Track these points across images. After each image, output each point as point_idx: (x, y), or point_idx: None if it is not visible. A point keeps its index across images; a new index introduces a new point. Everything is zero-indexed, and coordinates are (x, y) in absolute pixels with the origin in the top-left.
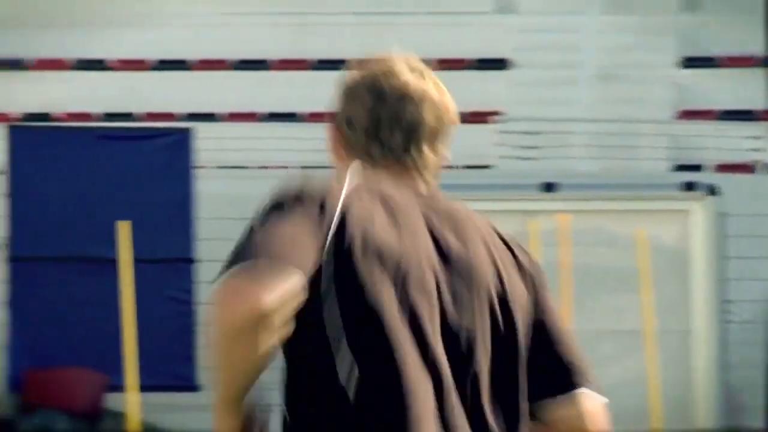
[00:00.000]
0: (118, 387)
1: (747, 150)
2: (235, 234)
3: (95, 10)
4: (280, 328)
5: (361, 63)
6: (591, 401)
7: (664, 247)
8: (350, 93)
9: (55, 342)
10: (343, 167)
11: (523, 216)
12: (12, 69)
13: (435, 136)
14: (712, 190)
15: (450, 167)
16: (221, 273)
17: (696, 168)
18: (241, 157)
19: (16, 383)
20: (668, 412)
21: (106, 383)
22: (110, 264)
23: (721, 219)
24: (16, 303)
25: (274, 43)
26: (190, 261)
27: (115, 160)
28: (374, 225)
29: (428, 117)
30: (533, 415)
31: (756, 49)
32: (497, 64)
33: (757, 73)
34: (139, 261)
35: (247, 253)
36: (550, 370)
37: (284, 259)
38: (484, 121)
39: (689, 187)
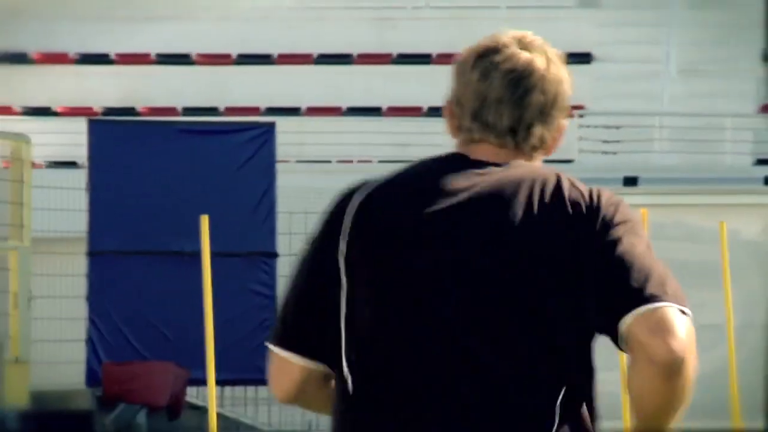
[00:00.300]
0: (198, 381)
1: None
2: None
3: (177, 3)
4: (318, 387)
5: (476, 43)
6: (661, 314)
7: (745, 241)
8: (459, 71)
9: (135, 336)
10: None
11: None
12: (95, 63)
13: (545, 110)
14: None
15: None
16: (270, 334)
17: None
18: (322, 151)
19: (95, 377)
20: (747, 407)
21: (186, 377)
22: (191, 258)
23: None
24: (96, 297)
25: (356, 38)
26: (271, 255)
27: (197, 154)
28: (382, 225)
29: (537, 95)
30: (619, 343)
31: None
32: (580, 58)
33: None
34: (220, 255)
35: (274, 330)
36: (620, 294)
37: (295, 341)
38: (567, 115)
39: None
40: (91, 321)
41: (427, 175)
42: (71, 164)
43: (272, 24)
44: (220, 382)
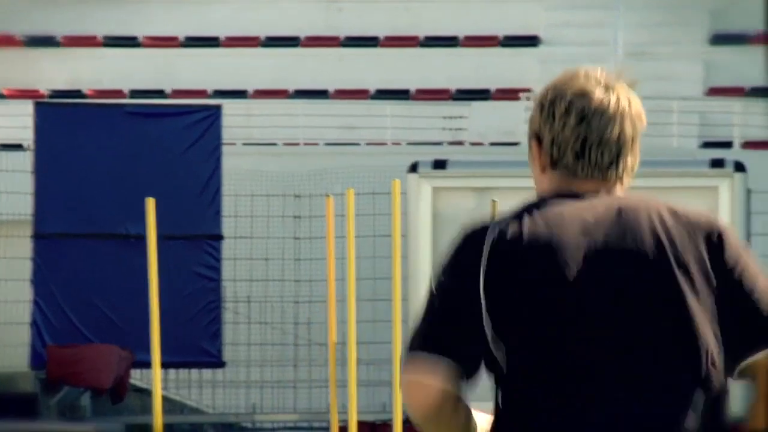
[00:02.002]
0: (143, 363)
1: None
2: (261, 211)
3: None
4: (459, 404)
5: (553, 81)
6: None
7: None
8: (550, 112)
9: (80, 319)
10: (543, 179)
11: None
12: (41, 46)
13: (633, 143)
14: (739, 167)
15: (480, 144)
16: (406, 349)
17: (724, 145)
18: (268, 134)
19: (40, 360)
20: None
21: (131, 360)
22: (137, 240)
23: (747, 196)
24: (41, 280)
25: (304, 21)
26: (217, 237)
27: (144, 136)
28: (522, 250)
29: (627, 130)
30: (741, 373)
31: None
32: (527, 41)
33: None
34: (166, 237)
35: (415, 340)
36: (752, 321)
37: (438, 348)
38: (515, 98)
39: (717, 164)
40: (36, 304)
41: (549, 212)
42: (17, 147)
43: (219, 7)
44: (164, 365)
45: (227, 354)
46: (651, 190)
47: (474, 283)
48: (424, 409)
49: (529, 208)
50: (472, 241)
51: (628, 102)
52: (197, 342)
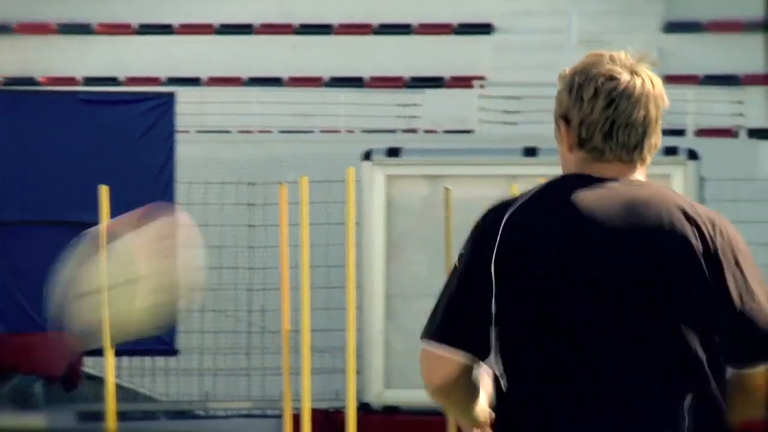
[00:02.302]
0: (95, 351)
1: (728, 115)
2: (214, 198)
3: None
4: (467, 387)
5: (580, 64)
6: None
7: None
8: (578, 95)
9: (32, 306)
10: (569, 158)
11: (506, 180)
12: None
13: (656, 123)
14: (692, 155)
15: (433, 132)
16: (424, 330)
17: (678, 132)
18: (222, 122)
19: None
20: None
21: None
22: (90, 228)
23: (700, 183)
24: None
25: (258, 8)
26: None
27: (97, 124)
28: (533, 234)
29: (652, 112)
30: (734, 382)
31: (740, 13)
32: (481, 28)
33: (741, 38)
34: None
35: (430, 326)
36: (748, 343)
37: (454, 335)
38: (468, 86)
39: (671, 151)
40: None
41: (564, 195)
42: None
43: None
44: (117, 353)
45: (180, 342)
46: None
47: (487, 268)
48: (438, 388)
49: (547, 191)
50: (486, 223)
51: (651, 84)
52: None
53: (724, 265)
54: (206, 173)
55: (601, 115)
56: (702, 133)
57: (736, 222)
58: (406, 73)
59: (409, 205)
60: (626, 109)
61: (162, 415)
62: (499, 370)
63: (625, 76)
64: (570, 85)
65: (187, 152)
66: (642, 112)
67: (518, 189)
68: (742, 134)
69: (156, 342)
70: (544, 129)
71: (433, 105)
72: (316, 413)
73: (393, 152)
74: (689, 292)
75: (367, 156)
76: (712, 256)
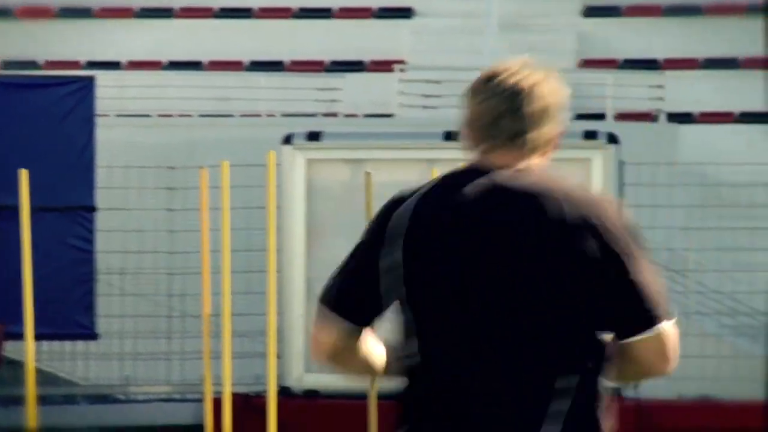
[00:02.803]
0: (16, 335)
1: (648, 99)
2: (134, 182)
3: None
4: (354, 354)
5: (483, 73)
6: (661, 336)
7: None
8: (469, 97)
9: None
10: (471, 153)
11: (426, 164)
12: None
13: (538, 118)
14: (612, 139)
15: (354, 116)
16: (319, 297)
17: (597, 117)
18: (142, 106)
19: None
20: None
21: (3, 331)
22: (9, 211)
23: (620, 167)
24: None
25: None
26: (90, 209)
27: (16, 107)
28: (420, 224)
29: (536, 105)
30: (622, 353)
31: None
32: (400, 12)
33: (660, 22)
34: (39, 209)
35: (325, 294)
36: (626, 312)
37: (341, 307)
38: (389, 70)
39: (590, 135)
40: None
41: (452, 187)
42: None
43: None
44: (37, 337)
45: (100, 326)
46: None
47: (376, 250)
48: (322, 355)
49: (439, 182)
50: (383, 210)
51: (537, 80)
52: (70, 314)
53: (606, 245)
54: (126, 157)
55: (485, 109)
56: (621, 117)
57: (654, 206)
58: (327, 57)
59: (330, 189)
60: (508, 101)
61: (82, 400)
62: (393, 343)
63: (507, 73)
64: (466, 92)
65: (107, 136)
66: (524, 105)
67: (438, 172)
68: (662, 118)
69: (76, 326)
70: None
71: (354, 89)
72: (236, 397)
73: (313, 136)
74: (563, 273)
75: (288, 140)
76: (591, 237)
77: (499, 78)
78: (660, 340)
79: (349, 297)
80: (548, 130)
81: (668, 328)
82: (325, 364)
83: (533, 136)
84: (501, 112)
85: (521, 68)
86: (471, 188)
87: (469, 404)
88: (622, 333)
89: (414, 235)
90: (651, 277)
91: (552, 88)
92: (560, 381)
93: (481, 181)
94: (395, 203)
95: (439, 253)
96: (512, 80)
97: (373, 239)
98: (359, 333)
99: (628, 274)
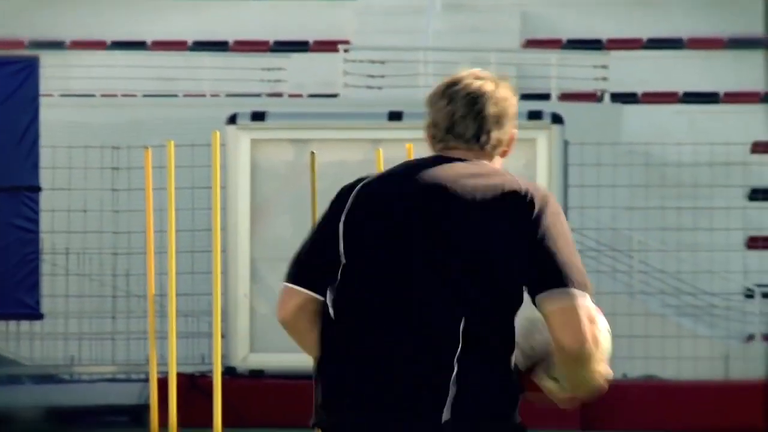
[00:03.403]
0: None
1: (592, 79)
2: (79, 162)
3: None
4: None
5: (443, 81)
6: (565, 300)
7: None
8: (431, 101)
9: None
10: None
11: (371, 144)
12: None
13: (497, 119)
14: (556, 119)
15: (298, 96)
16: (285, 273)
17: (542, 97)
18: (86, 86)
19: None
20: None
21: None
22: None
23: (564, 147)
24: None
25: None
26: (35, 189)
27: None
28: (366, 205)
29: (490, 109)
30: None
31: None
32: None
33: (604, 2)
34: None
35: (289, 268)
36: (541, 275)
37: (300, 277)
38: (333, 50)
39: (535, 115)
40: None
41: (406, 170)
42: None
43: None
44: None
45: (45, 306)
46: None
47: (335, 228)
48: (283, 319)
49: (396, 167)
50: (341, 193)
51: (493, 87)
52: (15, 294)
53: (534, 221)
54: (70, 137)
55: (443, 111)
56: (566, 97)
57: (598, 186)
58: (271, 37)
59: (275, 168)
60: (463, 104)
61: (27, 380)
62: (329, 300)
63: (466, 80)
64: (428, 98)
65: (52, 116)
66: (479, 108)
67: (383, 153)
68: (606, 98)
69: (21, 306)
70: (409, 93)
71: (298, 69)
72: (182, 377)
73: (258, 116)
74: (487, 245)
75: (232, 120)
76: (521, 211)
77: (459, 85)
78: (572, 306)
79: (308, 265)
80: (503, 132)
81: (580, 297)
82: (286, 329)
83: (490, 137)
84: (461, 114)
85: (478, 77)
86: (415, 170)
87: (376, 352)
88: (536, 287)
89: (353, 212)
90: (571, 254)
91: (506, 95)
92: (464, 351)
93: (429, 164)
94: (351, 186)
95: (370, 227)
96: (471, 87)
97: (329, 214)
98: (317, 303)
99: (548, 244)
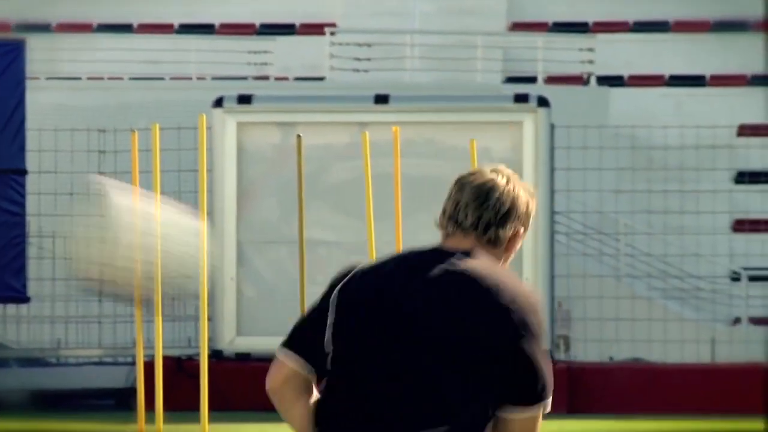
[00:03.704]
0: None
1: (578, 62)
2: (65, 145)
3: None
4: (298, 393)
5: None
6: (534, 410)
7: (496, 158)
8: (451, 191)
9: None
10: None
11: (357, 127)
12: None
13: (501, 215)
14: (543, 102)
15: (285, 79)
16: (282, 341)
17: (528, 80)
18: (72, 69)
19: None
20: None
21: None
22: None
23: (551, 131)
24: None
25: None
26: (21, 172)
27: None
28: (357, 291)
29: (493, 201)
30: (503, 419)
31: None
32: None
33: None
34: None
35: (288, 336)
36: (514, 388)
37: (294, 346)
38: (320, 33)
39: (521, 99)
40: None
41: (396, 265)
42: None
43: None
44: None
45: (32, 289)
46: (456, 125)
47: (327, 307)
48: (270, 389)
49: (390, 257)
50: (338, 275)
51: (506, 183)
52: (1, 277)
53: (517, 330)
54: (57, 120)
55: (452, 198)
56: (552, 80)
57: (585, 169)
58: (257, 20)
59: (261, 152)
60: (470, 192)
61: (14, 363)
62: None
63: (481, 172)
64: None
65: (38, 99)
66: (484, 198)
67: (369, 135)
68: (592, 81)
69: (7, 289)
70: (395, 76)
71: (285, 52)
72: (168, 360)
73: (244, 99)
74: (469, 348)
75: (219, 103)
76: (506, 320)
77: (473, 176)
78: (536, 416)
79: (302, 340)
80: (505, 229)
81: (546, 405)
82: (272, 398)
83: (489, 228)
84: (465, 202)
85: (495, 170)
86: (403, 264)
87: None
88: (513, 401)
89: (343, 303)
90: (545, 362)
91: (519, 194)
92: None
93: (419, 257)
94: (345, 271)
95: (361, 320)
96: (483, 178)
97: (321, 304)
98: (306, 375)
99: (530, 355)
